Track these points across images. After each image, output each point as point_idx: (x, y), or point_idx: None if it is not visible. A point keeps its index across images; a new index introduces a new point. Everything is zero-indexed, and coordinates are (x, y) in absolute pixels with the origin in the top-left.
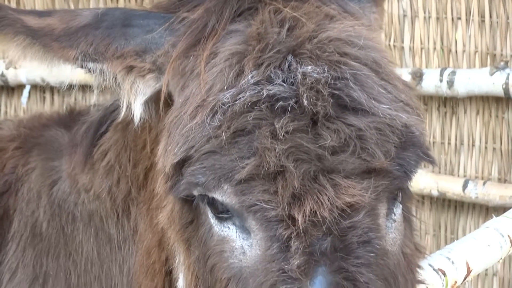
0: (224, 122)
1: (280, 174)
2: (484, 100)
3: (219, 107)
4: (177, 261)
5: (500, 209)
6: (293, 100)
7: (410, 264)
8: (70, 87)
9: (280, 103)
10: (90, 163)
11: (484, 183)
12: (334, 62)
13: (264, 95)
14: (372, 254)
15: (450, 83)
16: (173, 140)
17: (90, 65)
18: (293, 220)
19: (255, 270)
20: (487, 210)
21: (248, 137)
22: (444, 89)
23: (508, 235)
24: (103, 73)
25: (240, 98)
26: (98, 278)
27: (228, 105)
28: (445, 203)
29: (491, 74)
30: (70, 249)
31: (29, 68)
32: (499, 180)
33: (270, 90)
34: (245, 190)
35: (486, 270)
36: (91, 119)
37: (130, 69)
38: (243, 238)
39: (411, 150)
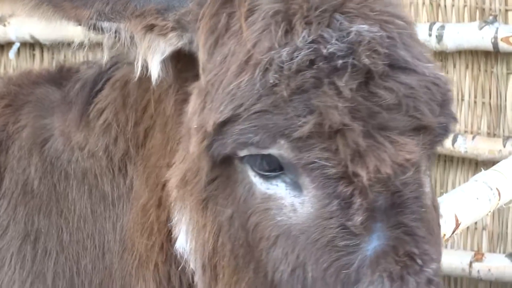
0: (280, 81)
1: (340, 132)
2: (473, 55)
3: (272, 65)
4: (180, 221)
5: (489, 163)
6: (351, 58)
7: (438, 217)
8: (77, 45)
9: (340, 61)
10: (85, 121)
11: (473, 138)
12: (383, 21)
13: (322, 54)
14: (423, 209)
15: (439, 38)
16: (215, 98)
17: (105, 24)
18: (356, 177)
19: (308, 227)
20: (477, 165)
21: (306, 95)
22: (433, 44)
23: (497, 188)
24: (119, 32)
25: (296, 56)
26: (91, 235)
27: (284, 63)
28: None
29: (480, 29)
30: (62, 207)
31: (19, 25)
32: (488, 134)
33: (328, 48)
34: (303, 148)
35: (475, 223)
36: (85, 76)
37: (150, 27)
38: (294, 196)
39: (449, 107)
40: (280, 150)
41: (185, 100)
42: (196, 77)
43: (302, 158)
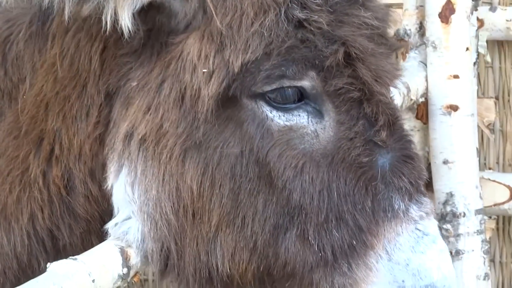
0: (307, 16)
1: (364, 57)
2: None
3: (296, 1)
4: (120, 173)
5: None
6: None
7: None
8: None
9: None
10: None
11: None
12: None
13: None
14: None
15: None
16: (237, 39)
17: None
18: (380, 95)
19: (330, 150)
20: None
21: (331, 27)
22: None
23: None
24: None
25: None
26: None
27: (305, 1)
28: None
29: None
30: None
31: None
32: None
33: None
34: (330, 76)
35: None
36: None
37: None
38: (316, 122)
39: None
40: (311, 80)
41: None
42: (176, 29)
43: (331, 86)
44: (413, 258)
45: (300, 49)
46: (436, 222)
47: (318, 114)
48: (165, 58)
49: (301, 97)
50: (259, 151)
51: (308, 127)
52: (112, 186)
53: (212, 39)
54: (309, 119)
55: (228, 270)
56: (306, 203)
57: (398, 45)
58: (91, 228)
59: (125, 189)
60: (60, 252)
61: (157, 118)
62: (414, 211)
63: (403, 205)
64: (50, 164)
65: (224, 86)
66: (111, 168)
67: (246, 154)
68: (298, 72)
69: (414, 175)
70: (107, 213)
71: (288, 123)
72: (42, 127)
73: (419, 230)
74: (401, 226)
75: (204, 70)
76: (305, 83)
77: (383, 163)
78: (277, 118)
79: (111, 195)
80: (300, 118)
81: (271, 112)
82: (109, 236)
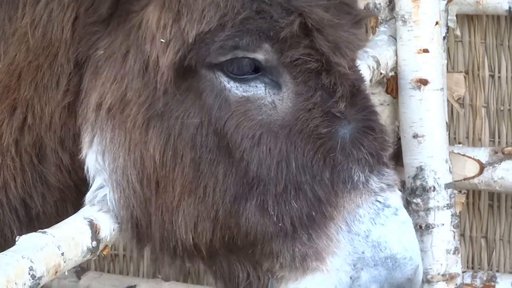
0: None
1: (322, 28)
2: None
3: None
4: (92, 142)
5: None
6: None
7: None
8: None
9: None
10: None
11: None
12: None
13: None
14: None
15: None
16: (194, 9)
17: None
18: (338, 66)
19: (289, 121)
20: None
21: None
22: None
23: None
24: None
25: None
26: None
27: None
28: None
29: None
30: None
31: None
32: None
33: None
34: (286, 48)
35: None
36: None
37: None
38: (273, 94)
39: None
40: (265, 53)
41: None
42: None
43: (287, 57)
44: (373, 230)
45: (256, 21)
46: (399, 194)
47: (276, 85)
48: (127, 27)
49: (258, 69)
50: (217, 122)
51: (266, 98)
52: (86, 155)
53: (171, 8)
54: (267, 90)
55: (191, 240)
56: (264, 174)
57: (364, 15)
58: (65, 197)
59: (97, 157)
60: (33, 220)
61: (122, 87)
62: (374, 182)
63: (363, 177)
64: (23, 133)
65: (180, 56)
66: (86, 138)
67: (205, 125)
68: (252, 43)
69: (375, 146)
70: (84, 183)
71: (245, 94)
72: (15, 96)
73: (379, 202)
74: (360, 197)
75: (162, 40)
76: (259, 55)
77: (343, 134)
78: (235, 89)
79: (85, 164)
80: (257, 89)
81: (228, 83)
82: (85, 205)
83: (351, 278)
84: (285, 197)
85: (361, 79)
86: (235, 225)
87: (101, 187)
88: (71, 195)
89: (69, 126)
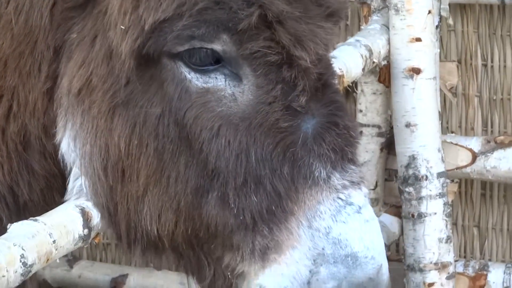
0: None
1: (282, 20)
2: None
3: None
4: (65, 128)
5: None
6: None
7: None
8: None
9: None
10: None
11: None
12: None
13: None
14: (337, 85)
15: None
16: None
17: None
18: (299, 60)
19: (249, 114)
20: None
21: None
22: None
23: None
24: None
25: None
26: None
27: None
28: None
29: None
30: None
31: None
32: None
33: None
34: (245, 40)
35: None
36: None
37: None
38: (234, 86)
39: None
40: (223, 44)
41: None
42: None
43: (246, 49)
44: (334, 227)
45: (214, 11)
46: (363, 192)
47: (236, 77)
48: (96, 11)
49: (218, 60)
50: (177, 112)
51: (226, 90)
52: (60, 141)
53: None
54: (227, 82)
55: (156, 232)
56: (223, 167)
57: (338, 6)
58: (51, 185)
59: (69, 143)
60: (21, 209)
61: (88, 72)
62: (336, 179)
63: (325, 173)
64: (8, 120)
65: (138, 44)
66: (59, 123)
67: (167, 114)
68: (209, 34)
69: (339, 143)
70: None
71: (205, 85)
72: (1, 84)
73: (341, 199)
74: (321, 194)
75: (122, 27)
76: (216, 46)
77: (306, 129)
78: (195, 80)
79: (59, 150)
80: (218, 81)
81: (189, 74)
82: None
83: (310, 272)
84: (245, 190)
85: (329, 73)
86: (197, 217)
87: (77, 177)
88: (56, 183)
89: (50, 113)
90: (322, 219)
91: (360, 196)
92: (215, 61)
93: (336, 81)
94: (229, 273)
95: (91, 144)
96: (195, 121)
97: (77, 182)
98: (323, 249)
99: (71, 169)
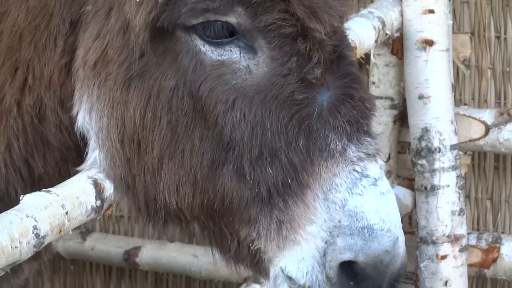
0: None
1: None
2: None
3: None
4: (82, 100)
5: None
6: None
7: None
8: None
9: None
10: None
11: None
12: None
13: None
14: (353, 57)
15: None
16: None
17: None
18: (314, 32)
19: (264, 86)
20: None
21: None
22: None
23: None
24: None
25: None
26: None
27: None
28: None
29: None
30: None
31: None
32: None
33: None
34: (260, 12)
35: None
36: None
37: None
38: (248, 58)
39: None
40: (238, 16)
41: None
42: None
43: (260, 21)
44: (350, 200)
45: None
46: (379, 164)
47: (251, 50)
48: None
49: (233, 33)
50: (192, 85)
51: (240, 63)
52: (77, 114)
53: None
54: (241, 54)
55: (175, 204)
56: (238, 139)
57: None
58: (66, 158)
59: (85, 116)
60: (36, 182)
61: (103, 44)
62: (352, 152)
63: (340, 145)
64: (24, 93)
65: (152, 16)
66: (76, 96)
67: (181, 87)
68: (223, 6)
69: (354, 115)
70: (84, 144)
71: (220, 58)
72: (16, 57)
73: (357, 171)
74: (337, 166)
75: (136, 0)
76: (231, 19)
77: (321, 101)
78: (210, 53)
79: (76, 123)
80: (232, 54)
81: (204, 46)
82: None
83: (326, 243)
84: (260, 163)
85: (343, 45)
86: (213, 190)
87: (94, 149)
88: (71, 155)
89: (68, 86)
90: (338, 191)
91: (376, 169)
92: (230, 34)
93: (351, 53)
94: (250, 245)
95: (108, 116)
96: (209, 94)
97: (93, 154)
98: (339, 221)
99: (87, 141)
